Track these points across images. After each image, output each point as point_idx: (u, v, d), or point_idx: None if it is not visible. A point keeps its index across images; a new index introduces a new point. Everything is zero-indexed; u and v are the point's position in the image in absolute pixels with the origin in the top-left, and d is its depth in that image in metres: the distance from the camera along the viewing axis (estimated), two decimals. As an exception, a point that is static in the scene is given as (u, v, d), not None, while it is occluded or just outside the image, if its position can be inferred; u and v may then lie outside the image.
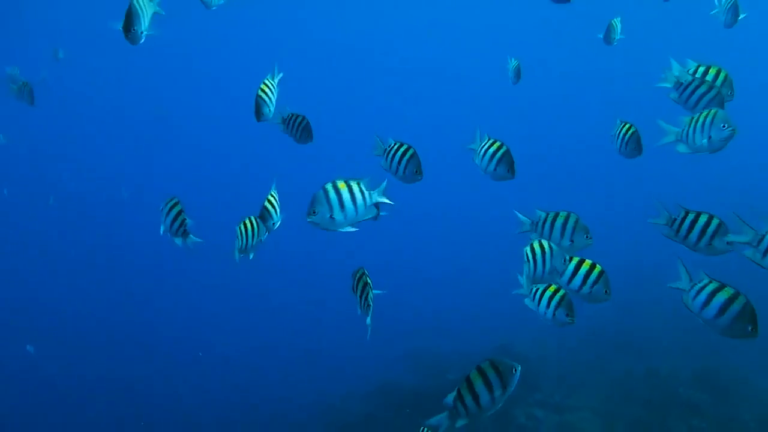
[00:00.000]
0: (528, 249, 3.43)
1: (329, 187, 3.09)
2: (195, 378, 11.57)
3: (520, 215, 3.77)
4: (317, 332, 12.75)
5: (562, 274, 3.33)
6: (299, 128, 4.37)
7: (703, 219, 3.22)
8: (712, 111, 3.53)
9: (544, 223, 3.59)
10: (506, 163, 3.70)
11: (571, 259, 3.35)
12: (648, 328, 10.73)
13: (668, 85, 3.89)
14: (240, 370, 11.84)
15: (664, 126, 3.82)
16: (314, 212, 3.05)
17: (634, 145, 4.19)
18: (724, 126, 3.47)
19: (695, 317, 2.93)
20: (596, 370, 10.72)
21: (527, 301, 3.49)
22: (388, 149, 3.71)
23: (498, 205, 11.05)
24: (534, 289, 3.45)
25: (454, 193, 18.53)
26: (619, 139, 4.27)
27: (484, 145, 3.82)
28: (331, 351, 11.97)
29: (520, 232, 3.71)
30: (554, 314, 3.36)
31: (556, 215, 3.60)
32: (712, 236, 3.21)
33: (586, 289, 3.29)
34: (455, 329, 12.44)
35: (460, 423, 2.72)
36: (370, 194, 3.16)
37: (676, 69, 3.91)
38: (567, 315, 3.37)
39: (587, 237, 3.49)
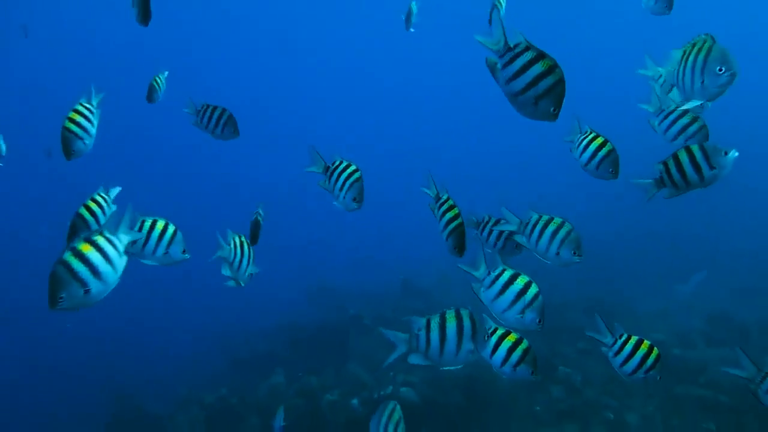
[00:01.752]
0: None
1: (69, 257, 2.30)
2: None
3: (507, 212, 3.07)
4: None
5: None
6: (220, 122, 3.65)
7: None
8: (706, 46, 2.71)
9: (534, 226, 2.88)
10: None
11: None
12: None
13: (649, 73, 3.32)
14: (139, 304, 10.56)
15: (653, 86, 3.28)
16: (61, 299, 2.24)
17: (609, 167, 3.00)
18: (720, 70, 2.69)
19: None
20: None
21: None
22: (332, 167, 3.15)
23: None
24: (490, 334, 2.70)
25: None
26: (587, 153, 3.07)
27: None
28: (234, 291, 9.32)
29: (508, 233, 3.09)
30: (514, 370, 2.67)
31: (549, 221, 2.89)
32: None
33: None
34: (359, 266, 12.29)
35: (413, 360, 2.37)
36: (119, 239, 2.44)
37: (651, 68, 3.31)
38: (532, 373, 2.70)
39: (575, 254, 2.81)
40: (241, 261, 3.42)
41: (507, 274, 2.57)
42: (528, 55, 2.08)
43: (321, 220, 13.79)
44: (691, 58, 2.76)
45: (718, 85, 2.73)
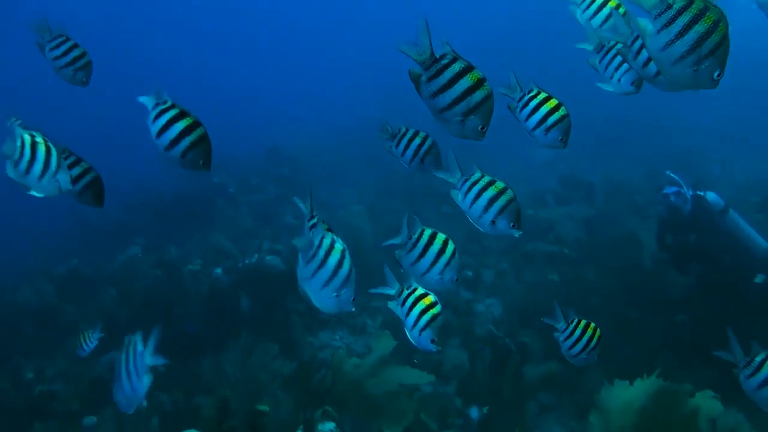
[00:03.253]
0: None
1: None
2: None
3: (453, 160, 2.51)
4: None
5: None
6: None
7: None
8: None
9: (472, 186, 2.40)
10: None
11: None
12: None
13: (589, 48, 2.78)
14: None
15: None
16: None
17: (559, 134, 2.48)
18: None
19: None
20: (362, 169, 10.26)
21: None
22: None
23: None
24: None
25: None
26: (536, 117, 2.49)
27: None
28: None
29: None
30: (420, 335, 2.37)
31: (490, 183, 2.41)
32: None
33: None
34: (223, 132, 10.03)
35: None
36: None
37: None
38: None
39: (513, 226, 2.37)
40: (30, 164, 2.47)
41: (426, 234, 2.44)
42: (456, 68, 1.95)
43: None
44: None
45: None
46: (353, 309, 2.06)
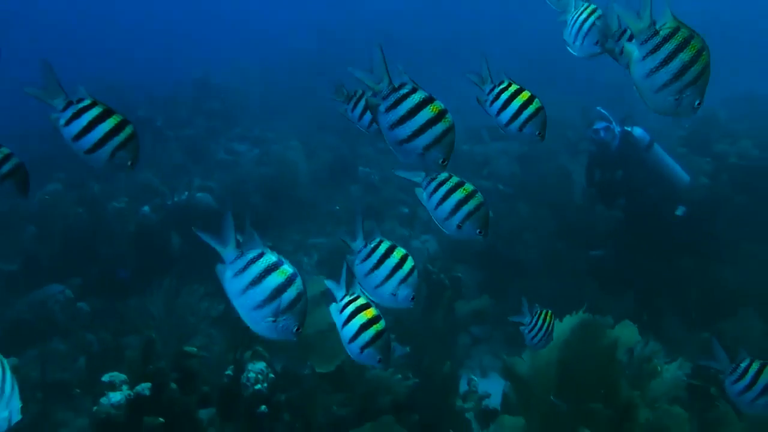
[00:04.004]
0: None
1: None
2: None
3: (410, 176, 2.29)
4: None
5: None
6: None
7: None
8: None
9: (439, 186, 2.22)
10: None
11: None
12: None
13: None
14: None
15: None
16: None
17: (536, 128, 2.27)
18: None
19: None
20: (296, 104, 10.04)
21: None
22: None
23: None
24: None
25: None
26: (509, 111, 2.28)
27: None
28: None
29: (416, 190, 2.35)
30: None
31: (459, 185, 2.24)
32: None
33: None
34: (148, 64, 11.56)
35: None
36: None
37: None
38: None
39: (480, 232, 2.26)
40: None
41: (384, 247, 2.18)
42: (415, 98, 1.88)
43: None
44: None
45: None
46: (294, 339, 1.81)
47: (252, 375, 3.31)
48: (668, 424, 2.94)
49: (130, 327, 4.62)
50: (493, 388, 4.63)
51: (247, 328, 1.76)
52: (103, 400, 2.96)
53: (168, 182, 7.63)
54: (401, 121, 1.89)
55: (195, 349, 3.32)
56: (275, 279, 1.71)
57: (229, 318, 3.49)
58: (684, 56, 1.78)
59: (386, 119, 1.90)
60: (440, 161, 1.94)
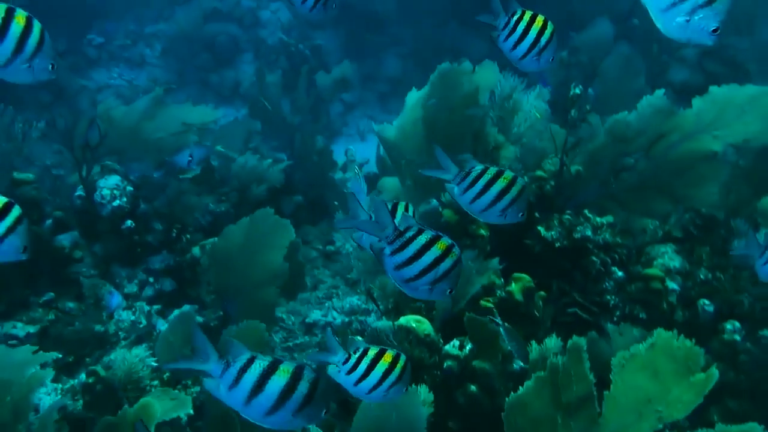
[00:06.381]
0: None
1: None
2: None
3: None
4: None
5: None
6: None
7: None
8: None
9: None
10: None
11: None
12: None
13: None
14: None
15: None
16: None
17: (519, 211, 2.19)
18: None
19: None
20: None
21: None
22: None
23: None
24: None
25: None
26: (487, 197, 2.16)
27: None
28: None
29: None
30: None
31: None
32: None
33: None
34: None
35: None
36: None
37: None
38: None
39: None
40: None
41: (371, 354, 2.02)
42: (422, 240, 1.93)
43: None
44: None
45: None
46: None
47: (107, 192, 3.06)
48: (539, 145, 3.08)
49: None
50: (372, 152, 4.64)
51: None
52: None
53: None
54: (408, 262, 1.97)
55: (32, 176, 2.98)
56: (278, 381, 1.69)
57: (66, 133, 3.09)
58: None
59: (392, 261, 1.99)
60: (447, 291, 2.01)
